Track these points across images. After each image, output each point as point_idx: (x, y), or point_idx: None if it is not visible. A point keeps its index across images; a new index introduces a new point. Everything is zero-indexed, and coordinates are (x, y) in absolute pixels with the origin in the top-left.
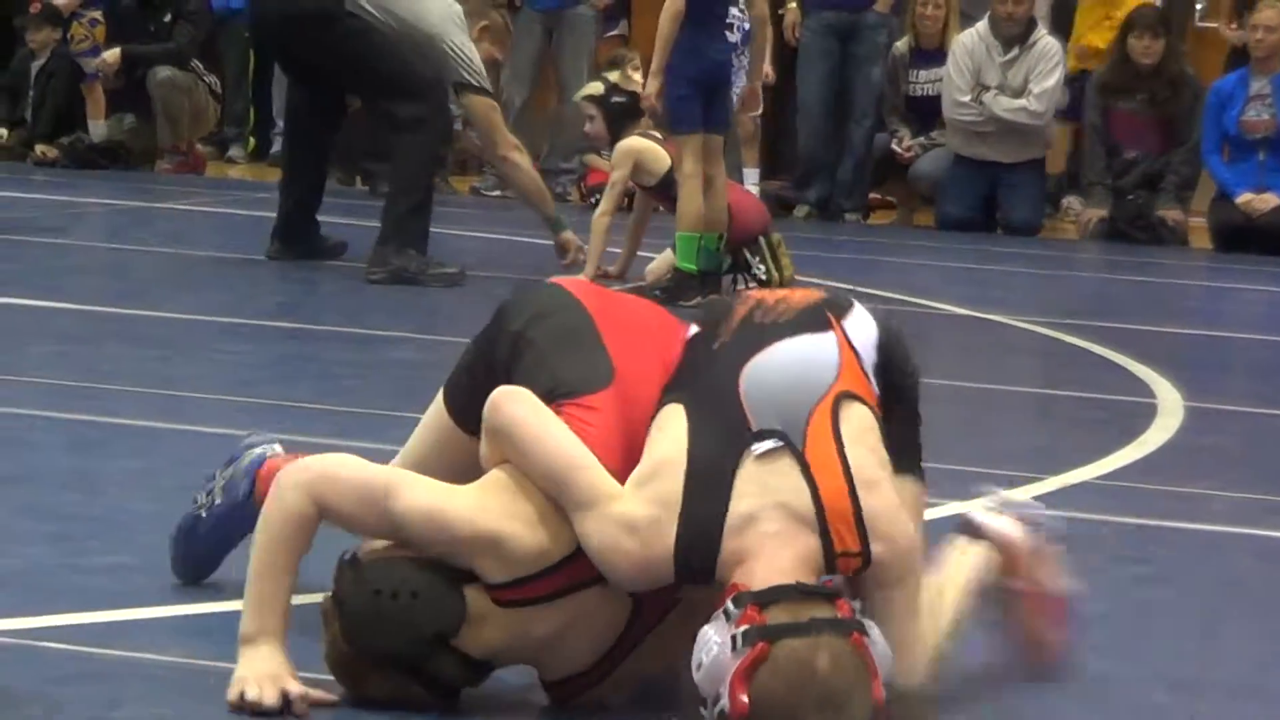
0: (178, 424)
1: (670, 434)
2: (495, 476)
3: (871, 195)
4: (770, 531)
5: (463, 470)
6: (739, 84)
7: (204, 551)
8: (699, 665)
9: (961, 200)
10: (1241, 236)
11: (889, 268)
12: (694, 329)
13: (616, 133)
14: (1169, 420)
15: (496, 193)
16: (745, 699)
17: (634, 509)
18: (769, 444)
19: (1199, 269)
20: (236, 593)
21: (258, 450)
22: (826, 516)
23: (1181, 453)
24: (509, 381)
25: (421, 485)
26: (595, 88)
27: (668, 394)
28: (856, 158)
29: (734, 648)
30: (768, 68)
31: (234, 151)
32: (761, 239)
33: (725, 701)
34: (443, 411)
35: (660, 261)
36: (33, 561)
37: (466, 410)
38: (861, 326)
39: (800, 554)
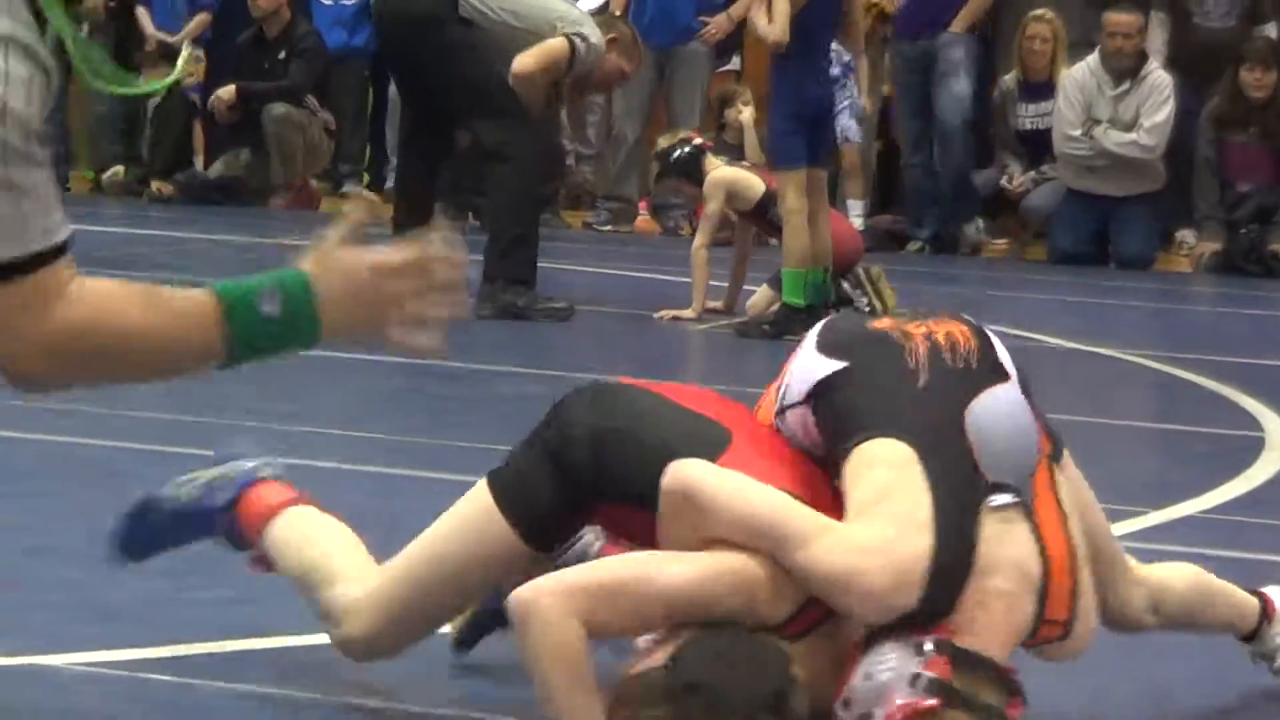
0: (285, 458)
1: (889, 461)
2: (711, 552)
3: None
4: (1003, 590)
5: (498, 579)
6: (842, 116)
7: (150, 535)
8: (868, 675)
9: (1073, 234)
10: None
11: (1001, 302)
12: (837, 364)
13: (698, 179)
14: (1277, 454)
15: (609, 228)
16: None
17: (868, 529)
18: (1006, 498)
19: None
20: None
21: (251, 464)
22: (1049, 584)
23: None
24: (598, 483)
25: (678, 559)
26: (655, 167)
27: (863, 433)
28: (953, 173)
29: (911, 683)
30: (865, 100)
31: (348, 187)
32: (861, 270)
33: None
34: (493, 518)
35: (760, 296)
36: (139, 594)
37: (532, 521)
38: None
39: (1019, 622)
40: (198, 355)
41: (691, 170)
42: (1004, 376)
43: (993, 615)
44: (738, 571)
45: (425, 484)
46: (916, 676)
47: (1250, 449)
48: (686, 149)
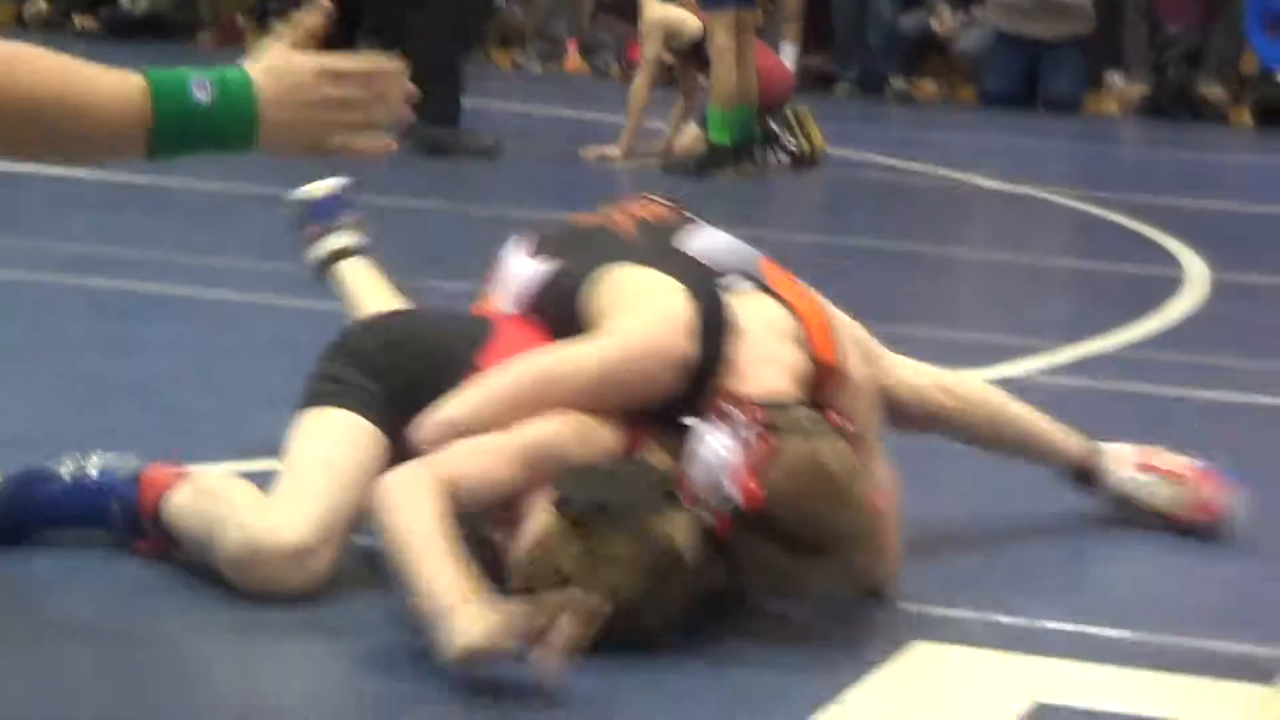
0: (206, 291)
1: (619, 278)
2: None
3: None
4: (766, 342)
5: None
6: None
7: (32, 506)
8: (700, 463)
9: (1002, 76)
10: None
11: (928, 142)
12: (554, 264)
13: (628, 15)
14: (1194, 292)
15: (538, 67)
16: (758, 488)
17: (631, 315)
18: (745, 285)
19: (1238, 145)
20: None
21: (134, 462)
22: (806, 329)
23: (1203, 324)
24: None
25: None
26: None
27: (596, 269)
28: (880, 23)
29: (740, 440)
30: None
31: (276, 24)
32: (788, 111)
33: (736, 495)
34: (344, 419)
35: (686, 135)
36: (62, 424)
37: (369, 405)
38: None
39: (795, 367)
40: (117, 134)
41: (625, 7)
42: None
43: (770, 367)
44: (575, 424)
45: (341, 318)
46: (740, 432)
47: (1168, 288)
48: None
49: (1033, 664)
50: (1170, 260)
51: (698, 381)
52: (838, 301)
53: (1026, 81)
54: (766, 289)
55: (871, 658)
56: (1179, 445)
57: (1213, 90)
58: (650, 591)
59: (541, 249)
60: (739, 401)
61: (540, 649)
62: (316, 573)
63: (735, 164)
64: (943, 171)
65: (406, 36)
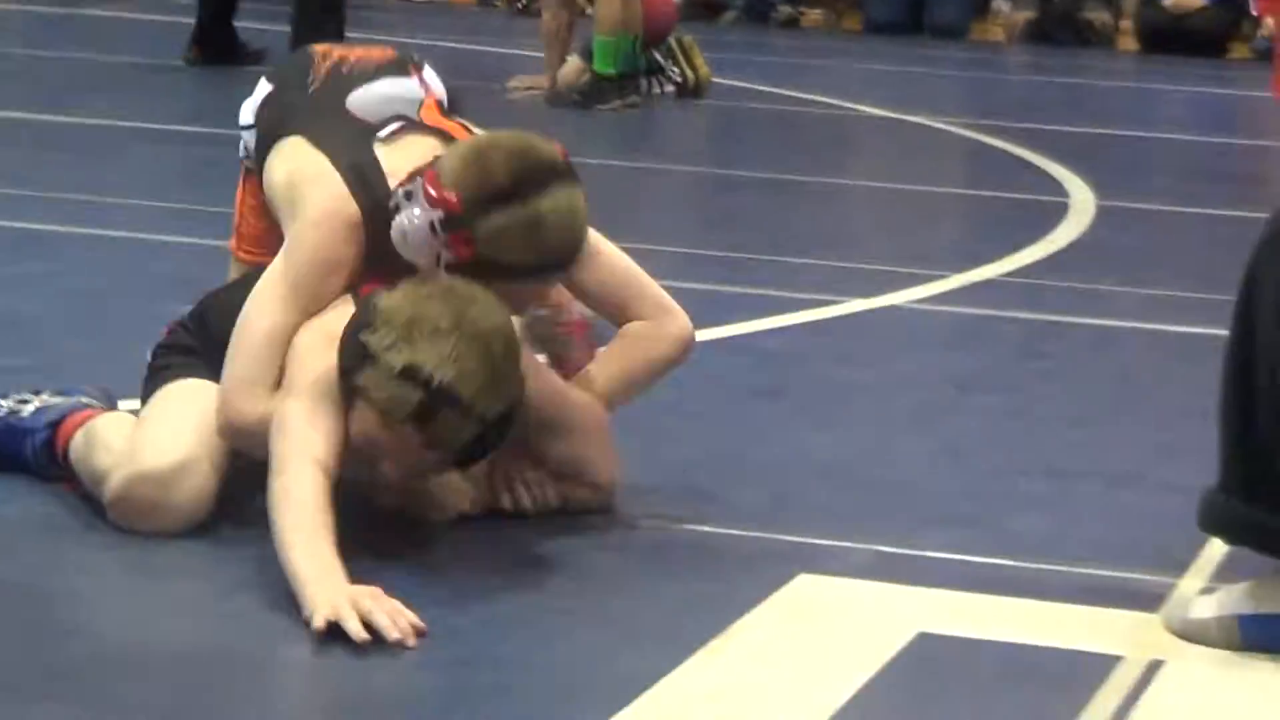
0: (86, 228)
1: (304, 156)
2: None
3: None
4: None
5: None
6: None
7: None
8: (401, 232)
9: (888, 4)
10: (1168, 37)
11: (814, 71)
12: (268, 86)
13: None
14: (1080, 218)
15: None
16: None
17: (296, 201)
18: (392, 126)
19: (1124, 71)
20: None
21: (76, 400)
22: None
23: (1088, 250)
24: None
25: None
26: None
27: (278, 134)
28: None
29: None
30: None
31: None
32: (672, 41)
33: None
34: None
35: (570, 67)
36: None
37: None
38: (434, 78)
39: None
40: None
41: None
42: (401, 73)
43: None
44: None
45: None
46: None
47: (1054, 213)
48: None
49: (916, 594)
50: (1056, 186)
51: (376, 234)
52: (727, 232)
53: (912, 9)
54: (423, 126)
55: (755, 591)
56: (1064, 370)
57: (1098, 15)
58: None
59: (269, 74)
60: (410, 178)
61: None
62: (198, 490)
63: (621, 95)
64: (830, 100)
65: None
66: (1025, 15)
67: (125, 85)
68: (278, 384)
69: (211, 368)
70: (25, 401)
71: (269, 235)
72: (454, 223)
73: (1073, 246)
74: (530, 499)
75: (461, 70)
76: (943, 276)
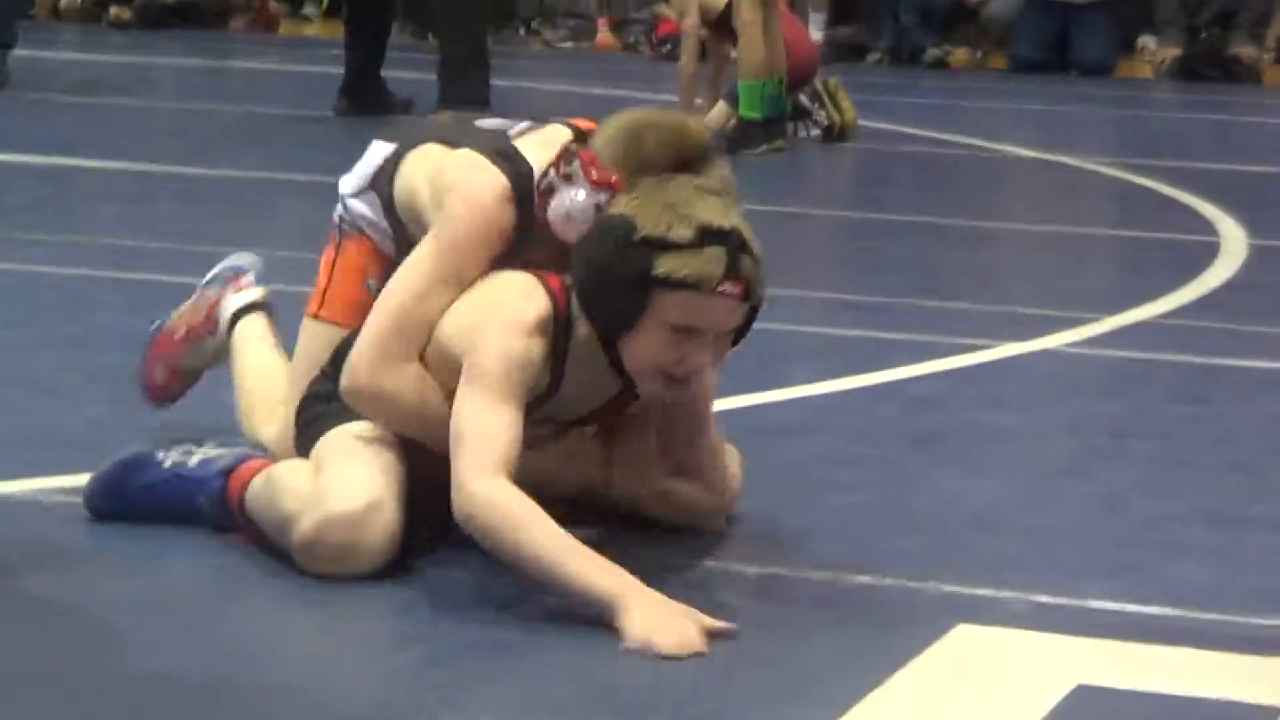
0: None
1: (442, 153)
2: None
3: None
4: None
5: None
6: None
7: (128, 495)
8: (563, 213)
9: (1033, 42)
10: None
11: (960, 112)
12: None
13: None
14: (1231, 259)
15: (569, 44)
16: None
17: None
18: (523, 124)
19: (1273, 106)
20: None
21: (242, 449)
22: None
23: (1240, 291)
24: None
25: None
26: None
27: (404, 152)
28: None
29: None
30: None
31: (308, 9)
32: (818, 84)
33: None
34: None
35: (717, 111)
36: (91, 420)
37: None
38: None
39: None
40: None
41: None
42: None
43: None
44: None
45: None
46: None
47: (1206, 253)
48: None
49: (1075, 644)
50: (1207, 226)
51: (525, 221)
52: (875, 276)
53: (1058, 47)
54: (551, 123)
55: (914, 642)
56: (1220, 414)
57: (1246, 50)
58: None
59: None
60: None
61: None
62: (389, 530)
63: (767, 139)
64: (976, 141)
65: (434, 20)
66: (1172, 52)
67: (275, 137)
68: (419, 358)
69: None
70: (189, 454)
71: (364, 301)
72: None
73: (1225, 287)
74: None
75: (603, 116)
76: (1094, 319)
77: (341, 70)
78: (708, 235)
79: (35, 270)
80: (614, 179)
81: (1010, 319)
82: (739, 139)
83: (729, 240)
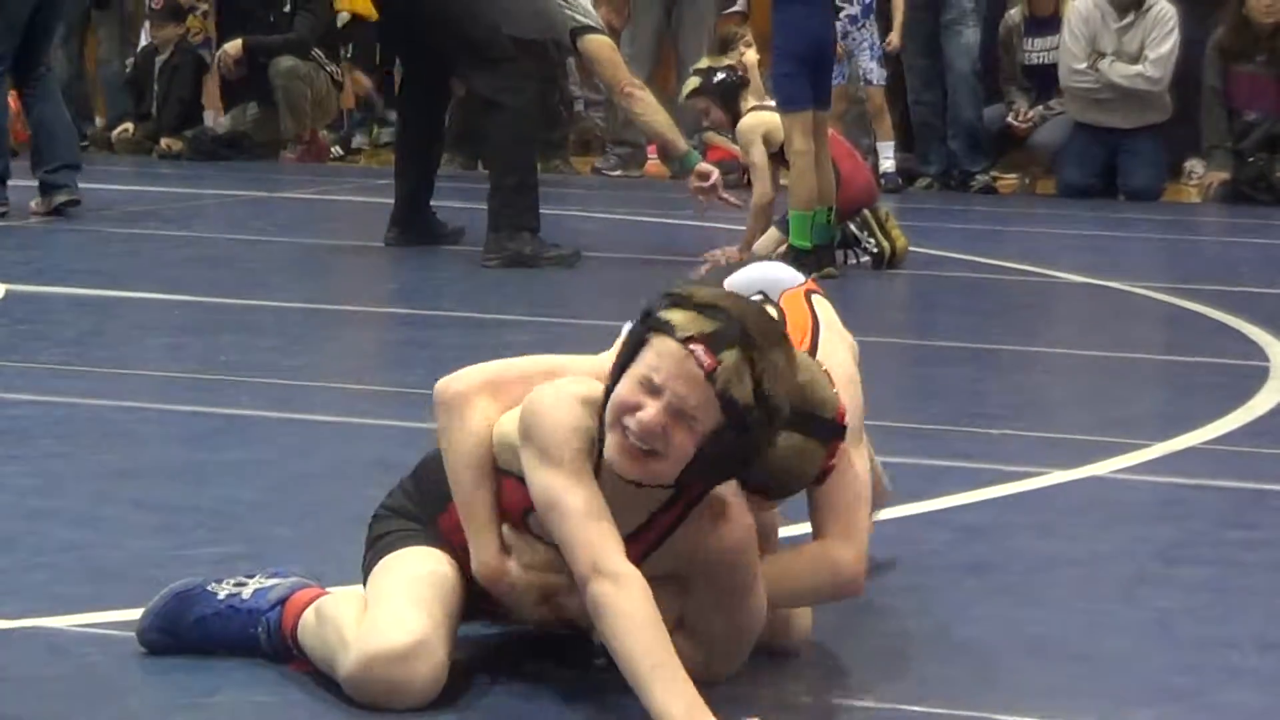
0: (288, 413)
1: None
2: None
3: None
4: None
5: None
6: (863, 57)
7: (182, 628)
8: None
9: (1082, 167)
10: None
11: (1010, 237)
12: None
13: (734, 110)
14: None
15: (618, 172)
16: None
17: None
18: (755, 297)
19: None
20: (344, 575)
21: (296, 579)
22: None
23: None
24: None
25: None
26: (693, 82)
27: None
28: (963, 123)
29: None
30: (893, 37)
31: (358, 139)
32: (868, 213)
33: None
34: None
35: (768, 238)
36: (139, 554)
37: None
38: None
39: None
40: None
41: (730, 98)
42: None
43: None
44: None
45: (433, 435)
46: None
47: (1255, 378)
48: (732, 75)
49: None
50: (1256, 350)
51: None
52: (924, 403)
53: (1106, 172)
54: (774, 305)
55: None
56: (1271, 540)
57: None
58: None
59: None
60: None
61: None
62: (435, 668)
63: (817, 267)
64: (1026, 266)
65: (482, 149)
66: (1219, 176)
67: (325, 268)
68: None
69: (429, 531)
70: (242, 585)
71: None
72: None
73: (1275, 412)
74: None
75: (655, 244)
76: (1144, 445)
77: (391, 200)
78: (717, 309)
79: (79, 402)
80: None
81: (1059, 445)
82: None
83: (730, 322)
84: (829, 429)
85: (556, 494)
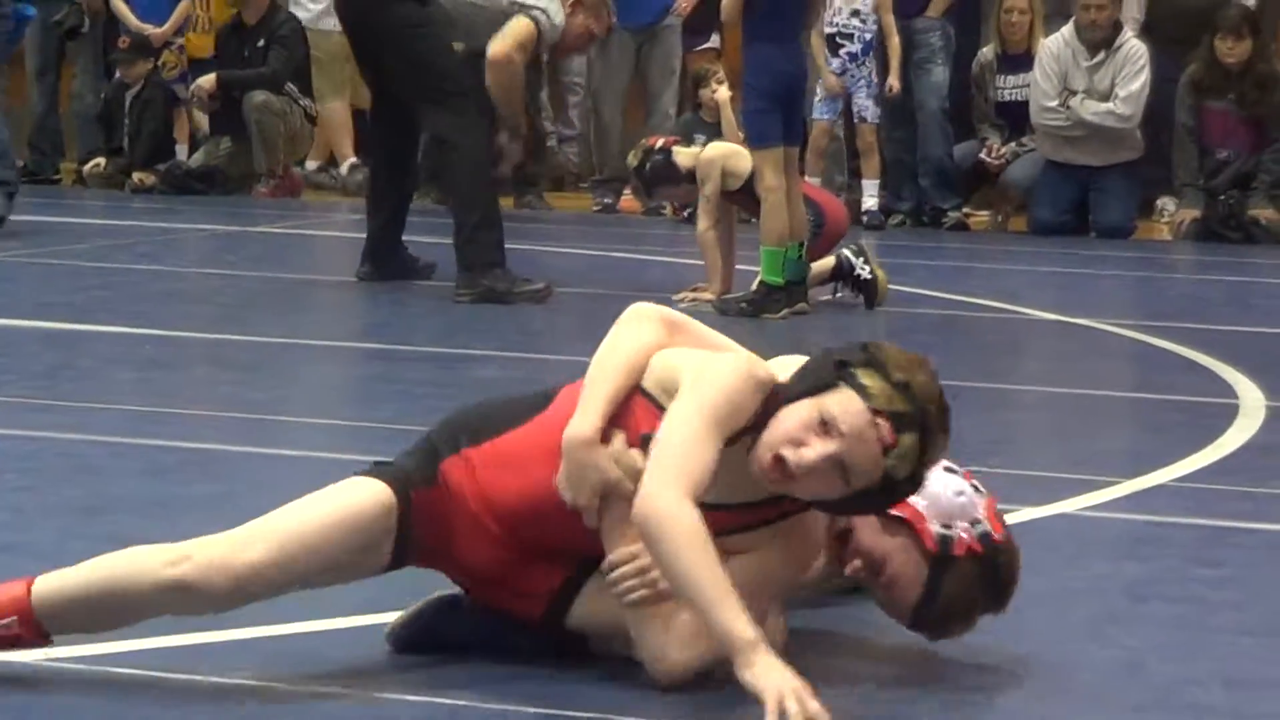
0: (257, 448)
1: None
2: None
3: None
4: None
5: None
6: (860, 95)
7: (439, 634)
8: (955, 493)
9: (1053, 205)
10: None
11: (981, 274)
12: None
13: (677, 178)
14: (1249, 421)
15: (598, 207)
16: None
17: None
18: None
19: None
20: (297, 614)
21: None
22: None
23: (1258, 453)
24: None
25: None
26: (631, 160)
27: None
28: (933, 161)
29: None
30: (892, 80)
31: (330, 175)
32: (863, 243)
33: (986, 526)
34: (363, 483)
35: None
36: None
37: (397, 477)
38: None
39: None
40: None
41: (670, 174)
42: None
43: None
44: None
45: None
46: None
47: (1224, 416)
48: (656, 157)
49: None
50: (1225, 388)
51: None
52: None
53: (1078, 209)
54: None
55: None
56: (1239, 578)
57: (1265, 212)
58: None
59: None
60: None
61: None
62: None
63: (789, 303)
64: (997, 303)
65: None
66: (1191, 214)
67: (297, 303)
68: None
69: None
70: None
71: None
72: None
73: (1244, 449)
74: None
75: (627, 280)
76: (1113, 483)
77: (364, 235)
78: (908, 390)
79: (46, 436)
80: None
81: (1029, 482)
82: (761, 302)
83: (917, 407)
84: None
85: (686, 434)
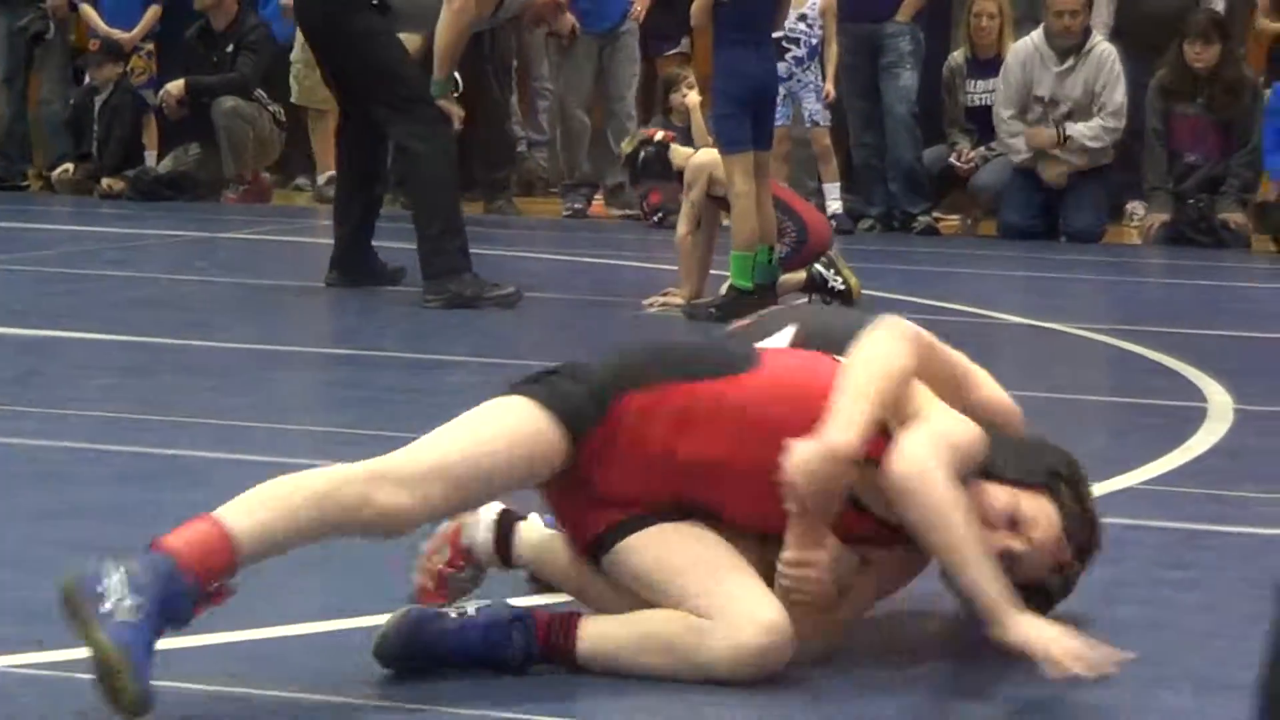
0: (226, 454)
1: None
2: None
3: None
4: None
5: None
6: (808, 99)
7: (424, 646)
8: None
9: (1022, 209)
10: None
11: (951, 279)
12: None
13: (668, 174)
14: (1217, 424)
15: (568, 212)
16: None
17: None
18: None
19: (1260, 272)
20: (268, 618)
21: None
22: None
23: (1226, 456)
24: (619, 381)
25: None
26: (626, 146)
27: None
28: (901, 165)
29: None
30: (828, 86)
31: (301, 180)
32: (832, 253)
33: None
34: (529, 412)
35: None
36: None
37: (566, 408)
38: None
39: None
40: None
41: (661, 168)
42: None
43: None
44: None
45: None
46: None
47: (1192, 419)
48: (650, 148)
49: None
50: (1194, 391)
51: None
52: None
53: (1047, 213)
54: None
55: None
56: (1206, 580)
57: (1234, 216)
58: None
59: None
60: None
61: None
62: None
63: (759, 307)
64: (967, 307)
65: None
66: (1160, 218)
67: (266, 308)
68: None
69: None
70: (463, 610)
71: None
72: None
73: (1211, 453)
74: None
75: (597, 285)
76: None
77: (332, 241)
78: (1093, 521)
79: (14, 443)
80: None
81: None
82: (731, 307)
83: (1094, 537)
84: None
85: (959, 427)
